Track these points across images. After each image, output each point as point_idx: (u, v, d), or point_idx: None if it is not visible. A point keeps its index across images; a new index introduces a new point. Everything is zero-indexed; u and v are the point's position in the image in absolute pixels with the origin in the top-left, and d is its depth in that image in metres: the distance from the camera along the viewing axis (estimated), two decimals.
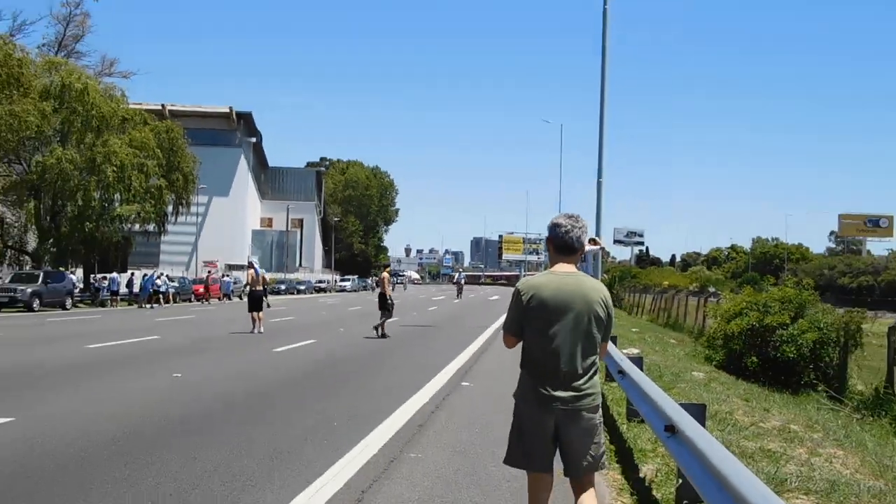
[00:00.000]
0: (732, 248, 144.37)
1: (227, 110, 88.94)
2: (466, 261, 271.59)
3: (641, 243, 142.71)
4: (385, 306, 22.22)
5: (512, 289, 4.91)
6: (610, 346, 11.17)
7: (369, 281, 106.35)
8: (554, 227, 4.39)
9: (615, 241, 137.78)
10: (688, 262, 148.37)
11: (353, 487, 6.34)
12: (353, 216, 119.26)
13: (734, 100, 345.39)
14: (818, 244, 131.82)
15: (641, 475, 7.01)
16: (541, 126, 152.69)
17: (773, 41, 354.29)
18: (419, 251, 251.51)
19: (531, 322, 4.28)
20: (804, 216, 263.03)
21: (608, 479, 6.98)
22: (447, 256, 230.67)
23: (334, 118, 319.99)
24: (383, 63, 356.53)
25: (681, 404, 5.89)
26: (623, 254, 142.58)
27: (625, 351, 15.80)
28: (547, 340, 4.22)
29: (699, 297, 35.41)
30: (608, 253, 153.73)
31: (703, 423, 5.70)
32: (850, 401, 17.65)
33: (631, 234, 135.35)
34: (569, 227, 4.36)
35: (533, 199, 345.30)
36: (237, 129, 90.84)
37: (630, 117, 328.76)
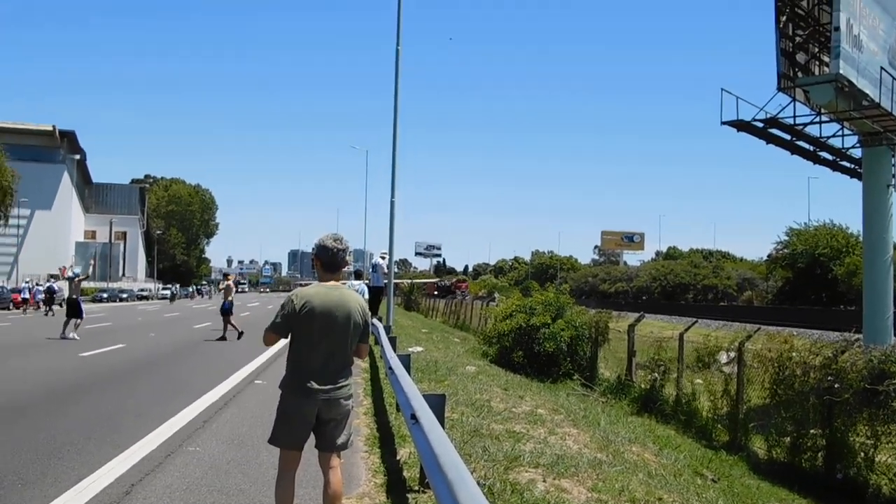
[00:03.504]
0: (515, 259, 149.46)
1: (51, 128, 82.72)
2: (284, 271, 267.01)
3: (439, 255, 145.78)
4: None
5: None
6: (386, 347, 11.25)
7: (191, 289, 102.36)
8: (322, 249, 4.55)
9: (416, 254, 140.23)
10: (479, 271, 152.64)
11: (123, 481, 6.01)
12: (176, 229, 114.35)
13: (520, 133, 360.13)
14: (585, 255, 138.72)
15: (398, 458, 7.08)
16: (351, 151, 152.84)
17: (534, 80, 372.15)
18: (240, 262, 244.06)
19: (301, 325, 4.41)
20: (575, 232, 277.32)
21: (368, 463, 7.01)
22: (266, 266, 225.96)
23: (159, 137, 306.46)
24: (206, 80, 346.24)
25: (424, 395, 5.96)
26: (423, 264, 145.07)
27: (409, 349, 15.95)
28: (314, 342, 4.40)
29: (483, 302, 36.46)
30: (411, 264, 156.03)
31: (442, 412, 5.81)
32: (599, 387, 18.70)
33: (430, 247, 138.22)
34: (335, 249, 4.53)
35: (343, 215, 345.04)
36: (60, 146, 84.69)
37: (430, 141, 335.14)
